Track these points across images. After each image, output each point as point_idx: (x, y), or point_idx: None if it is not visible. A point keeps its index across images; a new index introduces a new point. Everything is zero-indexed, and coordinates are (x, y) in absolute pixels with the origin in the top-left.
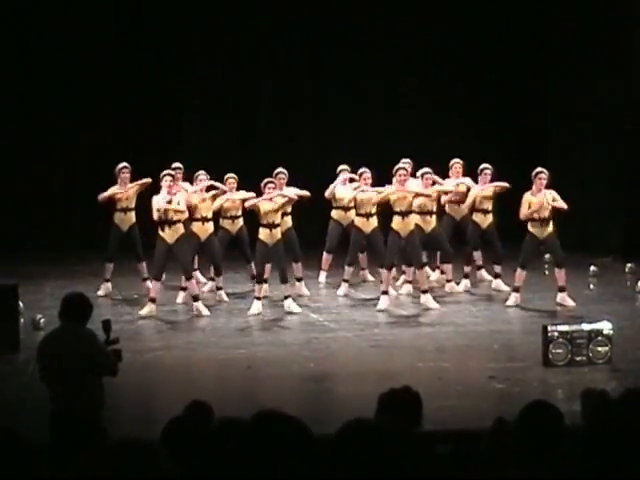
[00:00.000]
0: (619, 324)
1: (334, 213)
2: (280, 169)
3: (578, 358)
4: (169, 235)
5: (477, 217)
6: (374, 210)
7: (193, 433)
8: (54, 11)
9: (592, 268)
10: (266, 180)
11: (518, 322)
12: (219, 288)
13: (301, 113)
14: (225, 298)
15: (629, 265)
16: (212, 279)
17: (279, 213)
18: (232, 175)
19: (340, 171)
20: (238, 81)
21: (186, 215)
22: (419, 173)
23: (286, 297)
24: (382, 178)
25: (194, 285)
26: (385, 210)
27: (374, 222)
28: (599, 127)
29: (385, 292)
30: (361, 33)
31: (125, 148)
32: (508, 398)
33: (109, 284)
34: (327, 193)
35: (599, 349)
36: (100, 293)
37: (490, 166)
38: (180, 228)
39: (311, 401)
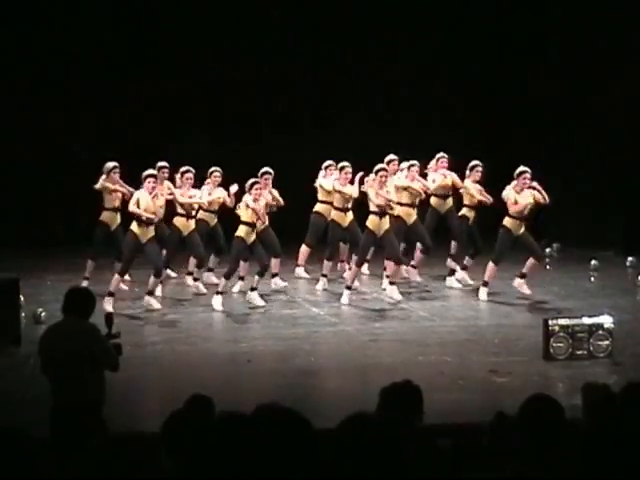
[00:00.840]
0: (620, 318)
1: (318, 207)
2: (266, 169)
3: (579, 352)
4: (142, 232)
5: (469, 212)
6: (350, 205)
7: (194, 427)
8: (56, 12)
9: (593, 262)
10: (252, 180)
11: (519, 316)
12: (196, 279)
13: (297, 112)
14: (204, 290)
15: (630, 259)
16: (190, 273)
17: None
18: (217, 169)
19: (327, 167)
20: (234, 80)
21: (158, 217)
22: (405, 165)
23: (253, 289)
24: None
25: (156, 282)
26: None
27: (350, 215)
28: (599, 122)
29: (349, 287)
30: (359, 31)
31: (125, 145)
32: (509, 392)
33: (87, 282)
34: (319, 184)
35: (600, 343)
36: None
37: (481, 163)
38: (152, 229)
39: (311, 395)
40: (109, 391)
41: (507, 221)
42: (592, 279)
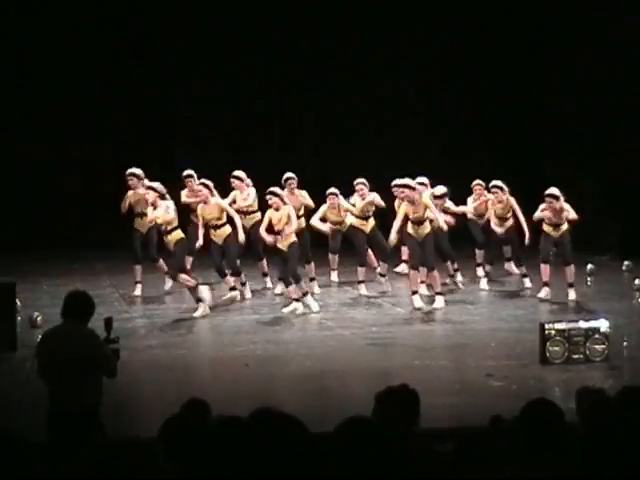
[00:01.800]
0: (616, 322)
1: None
2: (289, 174)
3: (575, 356)
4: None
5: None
6: (371, 212)
7: (191, 431)
8: (59, 17)
9: (589, 266)
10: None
11: (515, 320)
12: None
13: (304, 122)
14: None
15: (626, 263)
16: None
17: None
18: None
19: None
20: (240, 86)
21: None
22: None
23: (304, 294)
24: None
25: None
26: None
27: (372, 222)
28: (598, 127)
29: (440, 293)
30: (361, 40)
31: (123, 149)
32: (505, 396)
33: (140, 285)
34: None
35: (596, 347)
36: (137, 293)
37: (482, 183)
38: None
39: (308, 399)
40: (106, 395)
41: (544, 225)
42: (588, 283)
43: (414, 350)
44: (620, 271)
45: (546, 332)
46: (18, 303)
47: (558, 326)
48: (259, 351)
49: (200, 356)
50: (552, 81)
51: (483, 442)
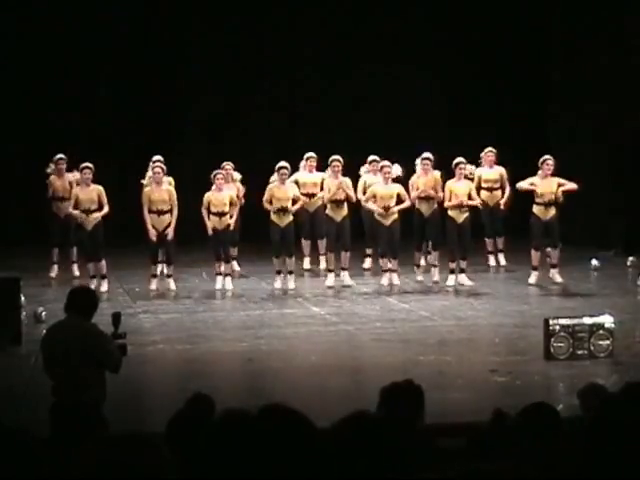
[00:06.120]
0: (620, 318)
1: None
2: (282, 163)
3: (580, 352)
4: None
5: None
6: (394, 202)
7: (196, 426)
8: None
9: (593, 262)
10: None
11: (519, 315)
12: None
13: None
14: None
15: (630, 259)
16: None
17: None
18: (228, 163)
19: (307, 158)
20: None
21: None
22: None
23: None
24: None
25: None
26: None
27: (395, 215)
28: (600, 123)
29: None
30: (356, 18)
31: (125, 145)
32: (510, 391)
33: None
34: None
35: (600, 343)
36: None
37: (551, 157)
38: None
39: (312, 394)
40: (110, 390)
41: (534, 207)
42: (593, 280)
43: (418, 345)
44: (624, 267)
45: (550, 328)
46: (22, 298)
47: (562, 322)
48: (263, 346)
49: (205, 351)
50: (553, 71)
51: (484, 437)
